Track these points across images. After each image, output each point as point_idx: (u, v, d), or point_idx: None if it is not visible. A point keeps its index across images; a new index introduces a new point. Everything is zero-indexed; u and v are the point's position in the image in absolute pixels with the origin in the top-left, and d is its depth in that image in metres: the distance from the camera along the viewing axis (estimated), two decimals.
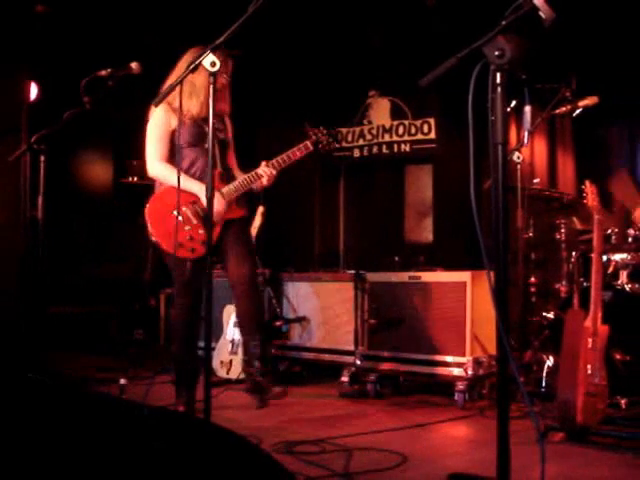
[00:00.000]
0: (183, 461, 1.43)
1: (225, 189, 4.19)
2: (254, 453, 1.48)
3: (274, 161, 4.27)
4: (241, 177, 4.26)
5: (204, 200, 3.91)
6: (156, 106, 3.60)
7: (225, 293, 5.55)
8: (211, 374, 4.56)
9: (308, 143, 4.30)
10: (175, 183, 3.91)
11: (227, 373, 5.14)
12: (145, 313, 6.88)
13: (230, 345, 5.22)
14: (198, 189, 4.08)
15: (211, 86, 2.80)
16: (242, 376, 5.00)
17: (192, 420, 1.55)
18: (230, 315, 5.32)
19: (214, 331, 5.03)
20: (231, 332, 5.26)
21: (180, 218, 4.04)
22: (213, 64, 2.77)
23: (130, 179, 7.36)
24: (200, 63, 2.76)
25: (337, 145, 4.36)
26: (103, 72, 4.00)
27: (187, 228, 4.05)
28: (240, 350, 5.14)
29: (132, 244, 6.97)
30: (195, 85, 4.11)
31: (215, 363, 5.19)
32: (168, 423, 1.49)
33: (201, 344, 4.20)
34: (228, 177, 4.29)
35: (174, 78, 3.93)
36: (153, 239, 4.05)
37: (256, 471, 1.41)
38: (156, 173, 4.14)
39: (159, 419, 1.51)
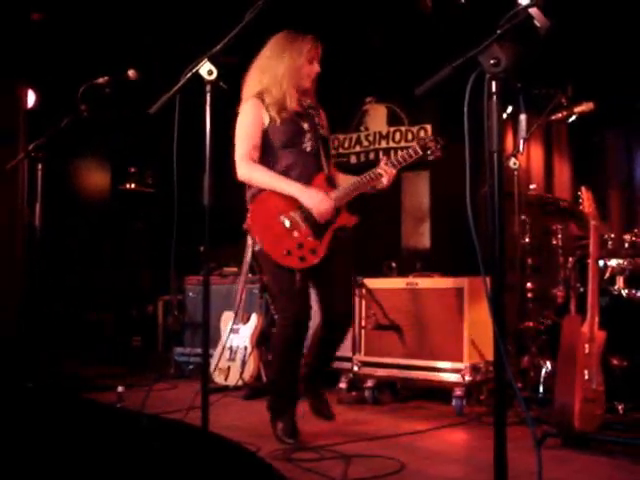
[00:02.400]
0: (181, 470, 1.43)
1: (334, 194, 3.69)
2: (252, 461, 1.48)
3: (394, 159, 3.72)
4: (354, 178, 3.77)
5: (308, 204, 3.59)
6: (153, 114, 3.11)
7: (223, 300, 5.58)
8: (209, 381, 4.56)
9: (417, 147, 3.69)
10: (274, 186, 3.62)
11: (225, 380, 5.14)
12: (143, 320, 6.88)
13: (228, 352, 5.22)
14: (298, 191, 3.59)
15: (208, 94, 2.79)
16: (240, 383, 5.01)
17: (190, 429, 1.55)
18: (228, 322, 5.32)
19: (212, 338, 5.02)
20: (229, 339, 5.26)
21: (287, 224, 3.61)
22: (210, 72, 2.78)
23: (128, 186, 7.37)
24: (197, 72, 2.76)
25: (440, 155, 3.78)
26: (100, 80, 4.01)
27: (295, 234, 3.60)
28: (238, 357, 5.15)
29: (129, 251, 6.97)
30: (280, 71, 3.68)
31: (212, 370, 5.19)
32: (166, 432, 1.50)
33: (198, 350, 4.15)
34: (335, 180, 3.85)
35: (255, 70, 3.76)
36: (259, 248, 3.65)
37: (254, 479, 1.41)
38: (247, 178, 3.68)
39: (157, 428, 1.51)
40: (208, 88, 2.81)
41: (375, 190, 3.83)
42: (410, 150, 3.70)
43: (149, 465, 1.41)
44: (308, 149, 3.73)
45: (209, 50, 2.87)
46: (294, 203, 3.62)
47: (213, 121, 2.83)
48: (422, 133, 7.13)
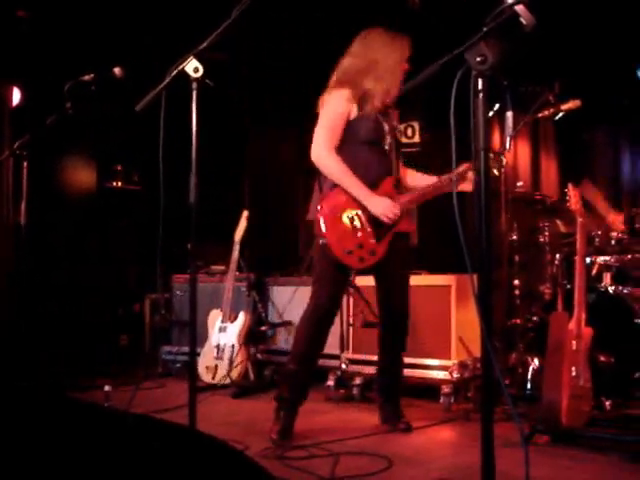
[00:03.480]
0: (167, 469, 1.42)
1: (402, 199, 3.71)
2: (240, 460, 1.48)
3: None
4: (424, 183, 3.82)
5: (374, 212, 3.60)
6: (139, 111, 3.05)
7: (210, 298, 5.56)
8: (196, 380, 4.54)
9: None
10: (341, 182, 3.63)
11: (212, 378, 5.13)
12: (129, 318, 6.85)
13: (215, 350, 5.21)
14: (364, 196, 3.61)
15: (194, 92, 2.78)
16: (227, 381, 5.00)
17: (176, 428, 1.55)
18: (215, 320, 5.31)
19: (199, 336, 5.01)
20: (216, 337, 5.25)
21: (352, 222, 3.62)
22: (196, 70, 2.77)
23: (114, 184, 7.33)
24: (183, 70, 2.75)
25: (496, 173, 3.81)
26: (86, 77, 3.99)
27: (359, 235, 3.61)
28: (226, 355, 5.14)
29: (116, 249, 6.94)
30: (379, 67, 3.67)
31: (200, 368, 5.18)
32: (152, 431, 1.49)
33: (185, 349, 4.12)
34: (403, 185, 3.84)
35: (352, 61, 3.73)
36: (322, 240, 3.62)
37: (240, 478, 1.41)
38: (322, 163, 3.64)
39: (143, 427, 1.51)
40: (194, 85, 2.79)
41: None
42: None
43: (135, 464, 1.40)
44: (386, 148, 3.76)
45: (196, 47, 2.86)
46: (361, 203, 3.64)
47: (199, 119, 2.82)
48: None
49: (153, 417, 3.18)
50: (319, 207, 3.65)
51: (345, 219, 3.62)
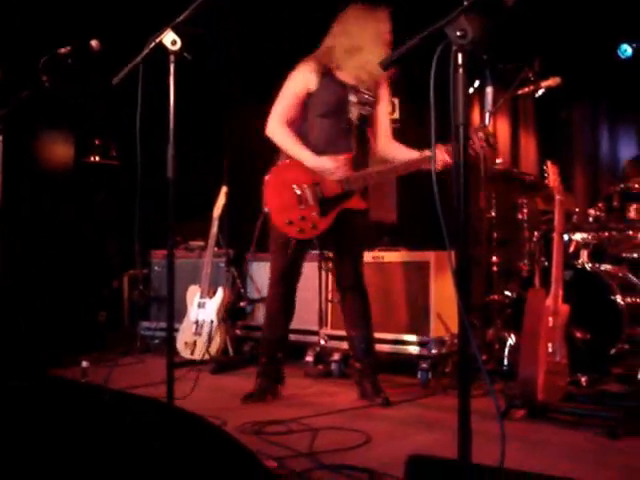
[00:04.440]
0: (144, 445, 1.42)
1: (353, 176, 3.72)
2: (216, 435, 1.48)
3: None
4: (374, 170, 3.77)
5: (327, 177, 3.71)
6: (116, 84, 3.02)
7: (189, 274, 5.55)
8: (175, 355, 4.53)
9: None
10: (291, 153, 3.75)
11: (191, 354, 5.13)
12: (108, 294, 6.82)
13: (194, 326, 5.20)
14: (312, 161, 3.71)
15: (172, 65, 2.75)
16: (206, 357, 5.00)
17: (153, 403, 1.54)
18: (194, 295, 5.29)
19: (177, 312, 4.99)
20: (195, 313, 5.24)
21: (298, 194, 3.76)
22: (174, 43, 2.74)
23: (92, 158, 7.26)
24: (160, 42, 2.71)
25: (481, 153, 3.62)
26: (62, 50, 3.93)
27: (301, 207, 3.76)
28: (204, 331, 5.13)
29: (94, 224, 6.89)
30: (354, 40, 3.70)
31: (179, 344, 5.17)
32: (129, 407, 1.48)
33: (164, 325, 4.13)
34: (364, 162, 3.83)
35: (337, 38, 3.74)
36: (266, 209, 3.85)
37: (216, 452, 1.41)
38: (271, 135, 3.78)
39: (120, 403, 1.50)
40: (172, 58, 2.76)
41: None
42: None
43: (111, 440, 1.40)
44: (349, 121, 3.77)
45: (173, 20, 2.83)
46: (312, 178, 3.74)
47: (177, 92, 2.79)
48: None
49: (129, 393, 3.18)
50: (266, 178, 3.82)
51: (291, 191, 3.77)
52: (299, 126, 3.80)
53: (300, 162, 3.74)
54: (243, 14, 6.67)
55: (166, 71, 2.83)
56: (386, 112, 3.94)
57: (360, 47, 3.68)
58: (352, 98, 3.74)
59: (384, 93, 3.91)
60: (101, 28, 5.38)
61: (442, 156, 3.42)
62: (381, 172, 3.75)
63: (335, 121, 3.76)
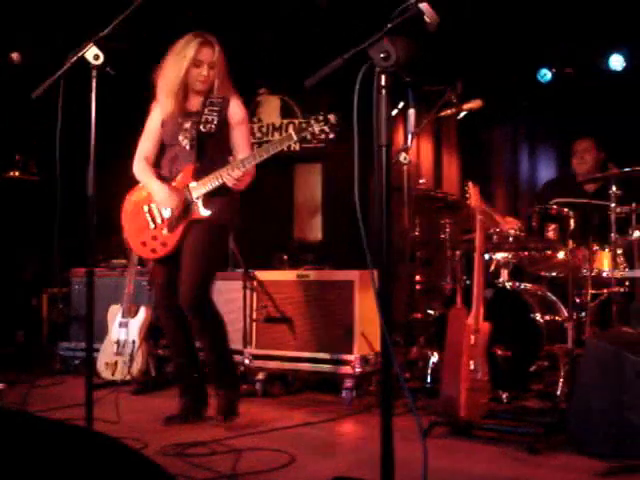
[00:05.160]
0: (58, 471, 1.37)
1: (194, 185, 3.77)
2: (133, 459, 1.44)
3: (245, 159, 3.68)
4: (212, 174, 3.73)
5: (156, 200, 3.81)
6: (36, 98, 2.99)
7: (110, 292, 5.43)
8: (94, 376, 4.42)
9: (292, 133, 3.61)
10: (144, 182, 3.89)
11: (112, 375, 5.01)
12: (26, 313, 6.63)
13: (115, 346, 5.09)
14: (152, 188, 3.84)
15: (94, 80, 2.70)
16: (128, 378, 4.89)
17: (70, 427, 1.49)
18: (115, 315, 5.19)
19: (98, 331, 4.88)
20: (116, 332, 5.13)
21: (147, 214, 3.87)
22: (96, 57, 2.70)
23: (12, 174, 7.08)
24: (82, 56, 2.67)
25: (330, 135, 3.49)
26: None
27: (152, 227, 3.85)
28: (126, 351, 5.03)
29: (13, 241, 6.71)
30: (167, 80, 3.85)
31: (100, 365, 5.05)
32: (43, 431, 1.43)
33: (84, 345, 4.02)
34: (210, 170, 3.75)
35: (168, 70, 3.83)
36: (125, 235, 3.95)
37: (134, 477, 1.37)
38: (134, 171, 3.95)
39: (33, 427, 1.45)
40: (94, 73, 2.72)
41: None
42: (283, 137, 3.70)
43: (24, 467, 1.35)
44: (184, 145, 3.84)
45: (96, 34, 2.79)
46: None
47: (99, 108, 2.75)
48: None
49: (45, 416, 3.09)
50: (123, 205, 3.97)
51: (142, 212, 3.87)
52: (160, 155, 3.98)
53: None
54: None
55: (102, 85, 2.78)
56: (237, 129, 3.90)
57: (166, 84, 3.85)
58: (186, 123, 3.83)
59: (235, 113, 3.89)
60: (23, 40, 5.27)
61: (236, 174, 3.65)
62: (219, 173, 3.70)
63: (176, 146, 3.87)
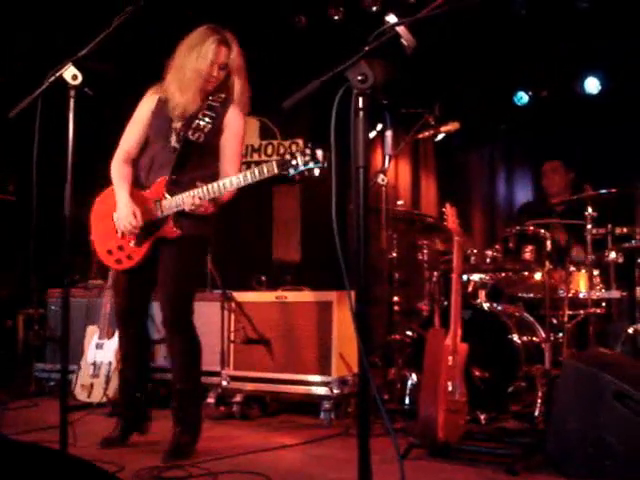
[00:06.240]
0: None
1: (166, 202, 3.54)
2: None
3: (208, 187, 3.45)
4: (186, 192, 3.49)
5: (119, 210, 3.59)
6: (12, 118, 2.98)
7: (88, 314, 5.38)
8: (69, 398, 4.38)
9: (274, 165, 3.33)
10: (115, 187, 3.67)
11: (88, 397, 4.96)
12: (1, 334, 6.55)
13: (92, 368, 5.04)
14: (118, 199, 3.61)
15: (72, 100, 2.69)
16: (104, 399, 4.84)
17: (44, 450, 1.47)
18: (92, 337, 5.14)
19: (74, 353, 4.83)
20: (92, 354, 5.08)
21: (116, 222, 3.65)
22: (74, 77, 2.69)
23: None
24: (60, 76, 2.66)
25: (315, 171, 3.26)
26: None
27: (119, 235, 3.63)
28: (102, 373, 4.98)
29: None
30: (184, 77, 3.58)
31: (76, 387, 5.00)
32: (16, 454, 1.41)
33: (59, 366, 3.96)
34: (187, 186, 3.52)
35: (177, 68, 3.62)
36: (91, 237, 3.75)
37: None
38: (111, 169, 3.71)
39: (4, 449, 1.43)
40: (72, 93, 2.71)
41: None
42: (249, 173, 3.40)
43: None
44: (172, 147, 3.64)
45: (76, 54, 2.78)
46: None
47: (77, 128, 2.74)
48: (294, 147, 7.17)
49: (18, 438, 3.05)
50: (93, 206, 3.78)
51: (112, 219, 3.66)
52: (141, 153, 3.76)
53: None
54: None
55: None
56: (229, 140, 3.70)
57: (182, 79, 3.60)
58: (176, 125, 3.65)
59: (231, 123, 3.70)
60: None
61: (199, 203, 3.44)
62: (182, 201, 3.50)
63: (162, 147, 3.66)
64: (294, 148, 7.18)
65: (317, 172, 3.26)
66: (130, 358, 3.86)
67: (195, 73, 3.57)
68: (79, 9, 5.67)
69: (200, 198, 3.44)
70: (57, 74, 2.71)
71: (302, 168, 3.24)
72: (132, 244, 3.62)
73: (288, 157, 3.27)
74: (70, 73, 2.69)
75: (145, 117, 3.73)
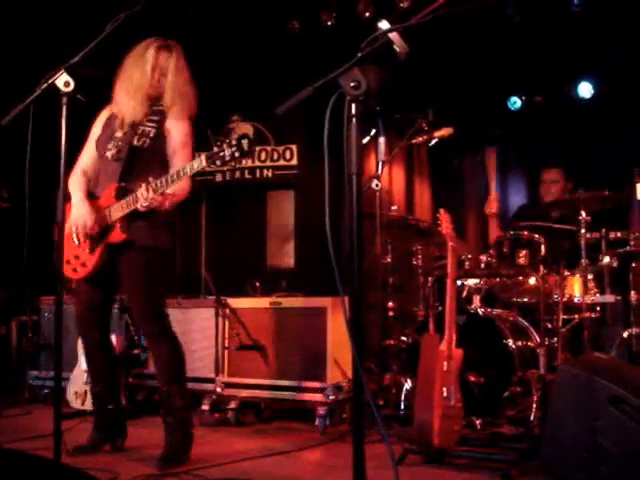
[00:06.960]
0: None
1: (115, 206, 3.57)
2: None
3: (157, 182, 3.42)
4: (130, 196, 3.52)
5: (73, 208, 3.64)
6: (5, 126, 3.03)
7: None
8: (63, 405, 4.35)
9: (203, 158, 3.35)
10: (71, 194, 3.68)
11: (82, 404, 4.94)
12: None
13: (85, 375, 5.01)
14: (73, 202, 3.66)
15: (64, 107, 2.69)
16: None
17: (37, 459, 1.46)
18: None
19: (68, 360, 4.81)
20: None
21: (73, 232, 3.67)
22: (67, 84, 2.68)
23: None
24: (53, 83, 2.65)
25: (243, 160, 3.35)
26: None
27: (76, 244, 3.67)
28: None
29: None
30: (131, 86, 3.65)
31: (69, 394, 4.98)
32: (8, 463, 1.40)
33: (52, 374, 3.95)
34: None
35: (123, 79, 3.69)
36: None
37: None
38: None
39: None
40: (64, 100, 2.70)
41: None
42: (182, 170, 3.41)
43: None
44: (109, 156, 3.69)
45: (68, 60, 2.78)
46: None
47: (69, 134, 2.73)
48: (287, 153, 7.17)
49: (11, 447, 3.03)
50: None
51: (70, 229, 3.67)
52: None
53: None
54: None
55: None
56: (172, 144, 3.68)
57: (124, 89, 3.70)
58: (117, 134, 3.70)
59: (172, 127, 3.69)
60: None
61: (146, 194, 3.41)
62: (126, 203, 3.53)
63: (104, 159, 3.72)
64: (287, 154, 7.18)
65: (245, 161, 3.34)
66: (96, 369, 3.90)
67: (140, 80, 3.65)
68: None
69: (154, 190, 3.41)
70: (49, 81, 2.70)
71: (228, 159, 3.29)
72: (86, 252, 3.66)
73: (216, 149, 3.30)
74: (62, 80, 2.68)
75: (95, 135, 3.80)
